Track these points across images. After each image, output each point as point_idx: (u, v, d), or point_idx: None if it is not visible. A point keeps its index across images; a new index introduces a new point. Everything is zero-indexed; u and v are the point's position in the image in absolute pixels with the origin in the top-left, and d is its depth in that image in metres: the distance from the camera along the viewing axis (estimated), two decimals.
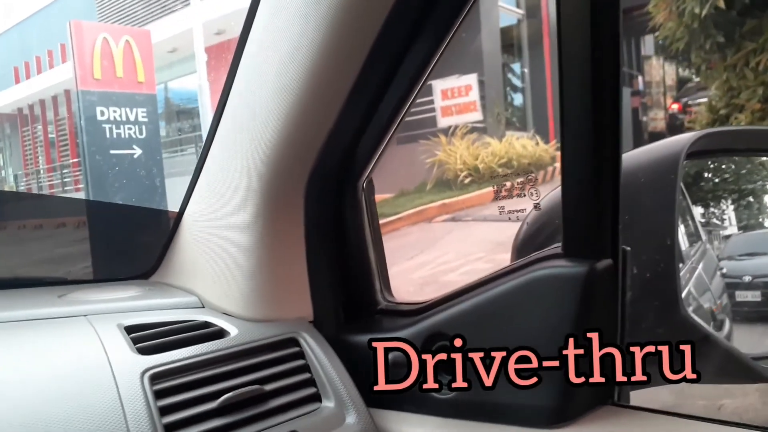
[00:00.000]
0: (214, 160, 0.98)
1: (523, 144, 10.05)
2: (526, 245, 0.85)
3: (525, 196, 0.74)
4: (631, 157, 0.86)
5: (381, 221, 1.01)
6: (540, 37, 11.91)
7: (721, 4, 4.92)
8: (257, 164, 0.88)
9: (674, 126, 12.41)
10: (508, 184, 0.75)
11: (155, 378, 0.75)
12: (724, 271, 1.58)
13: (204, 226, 1.02)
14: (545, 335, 0.69)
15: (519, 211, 0.77)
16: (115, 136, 6.82)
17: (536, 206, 0.77)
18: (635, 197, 0.80)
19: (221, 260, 0.97)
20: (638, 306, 0.73)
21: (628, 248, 0.66)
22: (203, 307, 0.98)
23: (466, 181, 9.14)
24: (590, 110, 0.64)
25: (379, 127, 0.90)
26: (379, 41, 0.77)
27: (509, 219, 0.75)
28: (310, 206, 0.93)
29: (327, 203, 0.95)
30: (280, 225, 0.92)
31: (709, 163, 1.46)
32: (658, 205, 0.85)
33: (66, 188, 16.57)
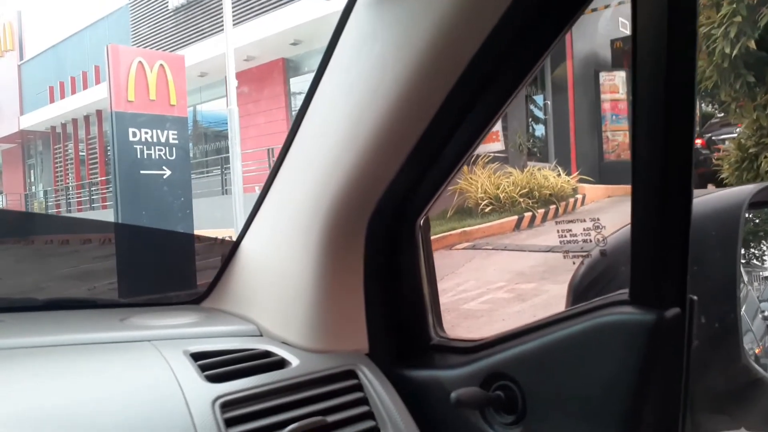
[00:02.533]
0: (278, 197, 1.02)
1: (544, 175, 10.02)
2: (586, 288, 0.86)
3: (592, 242, 0.76)
4: (694, 206, 0.87)
5: None
6: (564, 73, 11.97)
7: (752, 45, 4.93)
8: (322, 205, 0.91)
9: (698, 161, 12.32)
10: (574, 229, 0.77)
11: (225, 406, 0.78)
12: (766, 313, 1.57)
13: (265, 258, 1.06)
14: (610, 383, 0.71)
15: (583, 254, 0.79)
16: (145, 156, 6.95)
17: (602, 253, 0.79)
18: (700, 247, 0.82)
19: (282, 292, 1.00)
20: (701, 355, 0.75)
21: (695, 297, 0.67)
22: (261, 335, 1.01)
23: (487, 209, 9.13)
24: (661, 153, 0.66)
25: (439, 173, 0.93)
26: (450, 96, 0.80)
27: (573, 263, 0.77)
28: (369, 244, 0.96)
29: (386, 241, 0.98)
30: (340, 261, 0.95)
31: None
32: (721, 255, 0.86)
33: (93, 205, 16.85)
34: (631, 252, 0.68)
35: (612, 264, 0.79)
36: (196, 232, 7.24)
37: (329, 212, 0.91)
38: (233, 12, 9.97)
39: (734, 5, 4.90)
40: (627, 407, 0.70)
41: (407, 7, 0.76)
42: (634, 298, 0.70)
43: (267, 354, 0.93)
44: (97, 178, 17.32)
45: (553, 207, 9.30)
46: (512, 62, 0.79)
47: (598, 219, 0.75)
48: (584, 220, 0.78)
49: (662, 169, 0.66)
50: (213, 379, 0.83)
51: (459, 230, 7.95)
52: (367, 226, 0.95)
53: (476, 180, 9.37)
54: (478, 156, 9.99)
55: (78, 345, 0.91)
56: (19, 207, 21.21)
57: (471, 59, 0.76)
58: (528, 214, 8.82)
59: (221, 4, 9.61)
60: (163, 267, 1.44)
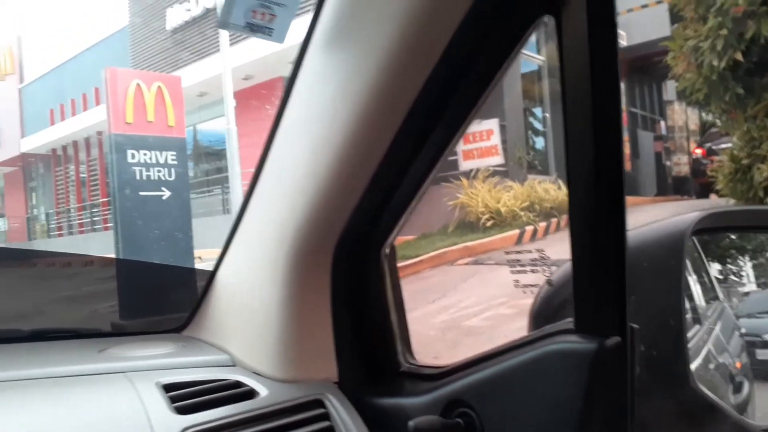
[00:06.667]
0: (248, 226, 1.05)
1: (545, 188, 10.04)
2: (540, 315, 0.89)
3: (538, 272, 0.79)
4: (637, 235, 0.90)
5: (403, 263, 1.06)
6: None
7: (739, 57, 4.97)
8: (289, 233, 0.94)
9: (698, 171, 12.37)
10: (522, 259, 0.80)
11: None
12: (743, 330, 1.59)
13: (237, 287, 1.08)
14: (558, 409, 0.73)
15: (532, 285, 0.82)
16: (144, 178, 6.98)
17: (549, 282, 0.82)
18: (645, 276, 0.85)
19: (252, 321, 1.03)
20: (650, 380, 0.77)
21: (636, 326, 0.70)
22: (234, 365, 1.03)
23: (488, 224, 9.14)
24: (593, 189, 0.70)
25: (403, 198, 0.96)
26: (402, 131, 0.83)
27: (524, 292, 0.80)
28: (336, 272, 0.99)
29: (352, 269, 1.01)
30: (308, 289, 0.98)
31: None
32: (665, 282, 0.89)
33: (95, 227, 16.90)
34: (573, 283, 0.71)
35: (562, 293, 0.81)
36: (197, 252, 7.27)
37: (294, 243, 0.94)
38: (230, 32, 10.06)
39: (720, 18, 4.95)
40: None
41: (351, 51, 0.80)
42: (577, 326, 0.73)
43: (237, 384, 0.95)
44: (98, 199, 17.39)
45: (554, 220, 9.30)
46: (459, 93, 0.83)
47: (543, 250, 0.78)
48: (531, 251, 0.81)
49: (595, 204, 0.69)
50: (182, 410, 0.85)
51: (461, 245, 7.95)
52: (332, 256, 0.98)
53: (477, 194, 9.39)
54: (478, 170, 10.02)
55: (55, 378, 0.94)
56: (22, 230, 21.29)
57: (417, 95, 0.80)
58: (530, 228, 8.82)
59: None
60: (146, 296, 1.47)
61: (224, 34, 9.48)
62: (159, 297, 1.48)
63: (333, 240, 0.97)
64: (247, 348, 1.03)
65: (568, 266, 0.76)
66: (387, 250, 1.03)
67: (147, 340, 1.18)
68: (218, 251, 1.14)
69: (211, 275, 1.16)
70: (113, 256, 6.84)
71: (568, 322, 0.74)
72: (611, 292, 0.70)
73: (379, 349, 1.02)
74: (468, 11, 0.73)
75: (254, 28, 0.84)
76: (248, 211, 1.05)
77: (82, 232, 17.50)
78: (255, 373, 0.99)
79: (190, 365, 1.02)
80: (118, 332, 1.33)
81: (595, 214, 0.70)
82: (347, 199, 0.92)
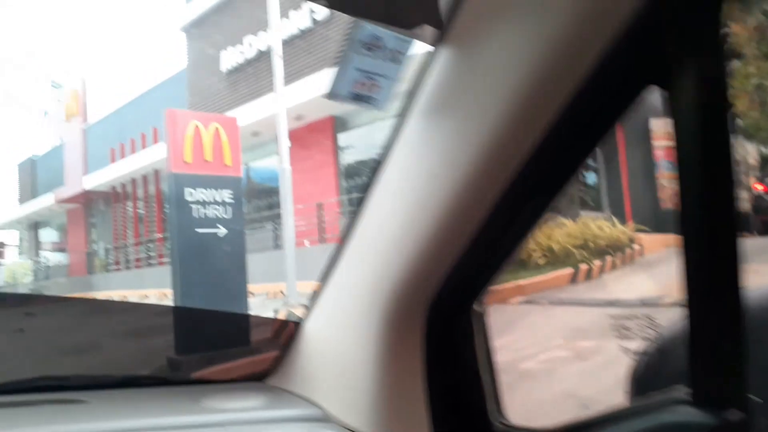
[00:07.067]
0: (340, 279, 1.07)
1: (599, 225, 9.85)
2: (644, 381, 0.87)
3: (643, 336, 0.78)
4: (755, 299, 0.88)
5: None
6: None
7: None
8: (383, 291, 0.96)
9: (761, 207, 11.89)
10: (629, 323, 0.79)
11: None
12: None
13: (327, 340, 1.10)
14: None
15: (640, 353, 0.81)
16: (201, 216, 7.18)
17: (659, 349, 0.80)
18: (754, 343, 0.83)
19: (344, 375, 1.04)
20: None
21: (759, 399, 0.68)
22: (328, 420, 1.04)
23: (541, 261, 8.98)
24: (709, 254, 0.69)
25: (497, 260, 0.96)
26: (506, 191, 0.84)
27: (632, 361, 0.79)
28: (428, 329, 1.00)
29: (444, 327, 1.01)
30: (400, 347, 0.99)
31: None
32: None
33: (151, 261, 17.38)
34: (689, 350, 0.70)
35: (671, 359, 0.80)
36: (250, 286, 7.38)
37: (387, 301, 0.95)
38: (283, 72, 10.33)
39: None
40: None
41: (455, 119, 0.82)
42: (693, 397, 0.71)
43: None
44: (154, 235, 17.93)
45: (610, 259, 9.08)
46: (559, 161, 0.84)
47: (653, 316, 0.77)
48: (638, 317, 0.80)
49: (711, 270, 0.68)
50: None
51: (512, 283, 7.81)
52: (425, 314, 0.99)
53: None
54: None
55: (158, 430, 0.97)
56: (82, 264, 22.07)
57: (519, 164, 0.81)
58: (584, 266, 8.64)
59: (271, 66, 10.03)
60: (226, 343, 1.51)
61: (279, 78, 9.76)
62: (243, 346, 1.51)
63: (426, 298, 0.98)
64: (340, 402, 1.04)
65: (676, 329, 0.75)
66: (479, 307, 1.04)
67: (235, 390, 1.21)
68: (270, 286, 1.16)
69: (299, 325, 1.19)
70: (174, 294, 6.98)
71: (683, 391, 0.72)
72: (730, 359, 0.68)
73: (470, 408, 1.02)
74: (576, 85, 0.74)
75: (358, 98, 0.88)
76: (340, 265, 1.07)
77: (138, 267, 18.02)
78: (349, 429, 1.00)
79: (284, 419, 1.03)
80: (205, 380, 1.37)
81: (712, 279, 0.69)
82: (443, 260, 0.93)
